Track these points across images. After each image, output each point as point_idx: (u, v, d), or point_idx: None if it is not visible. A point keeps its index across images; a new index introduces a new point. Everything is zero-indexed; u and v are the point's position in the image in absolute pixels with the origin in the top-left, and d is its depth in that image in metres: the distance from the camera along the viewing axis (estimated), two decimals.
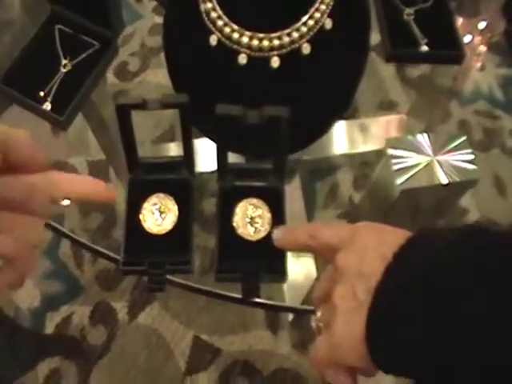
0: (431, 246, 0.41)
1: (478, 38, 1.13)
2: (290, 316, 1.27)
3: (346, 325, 0.42)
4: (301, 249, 0.54)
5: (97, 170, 1.31)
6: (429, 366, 0.39)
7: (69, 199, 0.48)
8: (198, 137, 0.76)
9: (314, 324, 0.48)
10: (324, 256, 0.49)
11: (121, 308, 1.28)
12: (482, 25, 1.11)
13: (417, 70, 1.30)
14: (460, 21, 1.07)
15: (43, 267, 1.32)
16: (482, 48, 1.15)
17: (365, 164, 1.28)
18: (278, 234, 0.54)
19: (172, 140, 1.26)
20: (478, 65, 1.24)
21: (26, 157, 0.43)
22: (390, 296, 0.41)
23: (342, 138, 1.17)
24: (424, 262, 0.40)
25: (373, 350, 0.41)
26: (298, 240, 0.52)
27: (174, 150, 1.15)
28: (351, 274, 0.44)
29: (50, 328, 1.27)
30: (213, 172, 0.72)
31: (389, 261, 0.42)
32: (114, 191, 0.51)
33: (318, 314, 0.48)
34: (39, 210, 0.44)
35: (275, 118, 0.62)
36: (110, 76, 1.38)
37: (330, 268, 0.48)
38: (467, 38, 1.11)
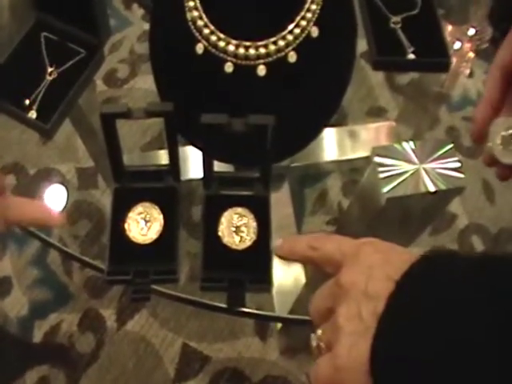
0: (442, 275, 0.39)
1: (467, 45, 1.14)
2: (279, 323, 1.27)
3: (351, 348, 0.41)
4: (301, 260, 0.52)
5: (85, 177, 1.31)
6: None
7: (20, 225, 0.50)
8: (187, 143, 0.76)
9: (313, 342, 0.45)
10: (324, 269, 0.48)
11: (109, 315, 1.28)
12: (471, 31, 1.11)
13: (406, 77, 1.31)
14: (449, 28, 1.07)
15: (32, 275, 1.31)
16: (471, 55, 1.16)
17: (354, 170, 1.28)
18: (278, 243, 0.53)
19: (161, 147, 1.26)
20: (467, 71, 1.25)
21: None
22: (396, 325, 0.39)
23: (331, 145, 1.17)
24: (435, 294, 0.38)
25: (375, 377, 0.39)
26: (298, 250, 0.50)
27: (164, 157, 1.15)
28: (356, 294, 0.42)
29: (38, 336, 1.27)
30: (202, 179, 0.72)
31: (395, 283, 0.40)
32: (62, 217, 0.53)
33: (319, 332, 0.45)
34: None
35: (260, 127, 0.62)
36: (99, 83, 1.38)
37: (331, 283, 0.46)
38: (456, 45, 1.11)
